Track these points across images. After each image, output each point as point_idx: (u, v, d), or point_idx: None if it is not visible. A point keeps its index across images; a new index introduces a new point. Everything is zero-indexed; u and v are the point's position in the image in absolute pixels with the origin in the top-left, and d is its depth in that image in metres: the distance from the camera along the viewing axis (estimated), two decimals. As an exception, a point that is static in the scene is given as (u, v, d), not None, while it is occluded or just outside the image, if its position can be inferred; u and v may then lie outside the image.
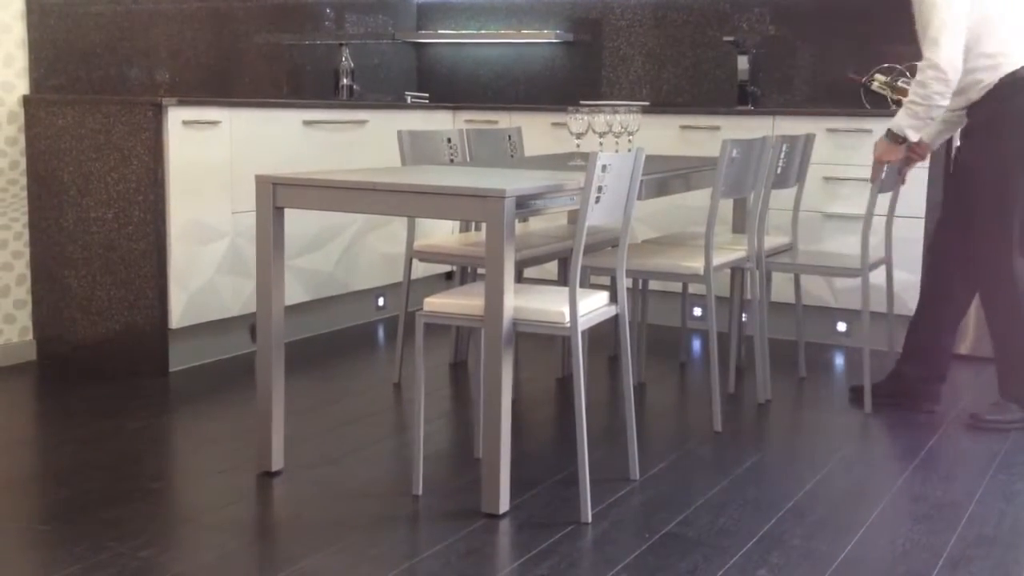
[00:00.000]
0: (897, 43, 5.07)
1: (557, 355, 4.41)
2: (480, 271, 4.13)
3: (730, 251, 3.86)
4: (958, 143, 3.86)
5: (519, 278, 4.06)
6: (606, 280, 4.39)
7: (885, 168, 3.70)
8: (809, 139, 4.16)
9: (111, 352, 4.23)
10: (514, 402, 3.87)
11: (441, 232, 5.23)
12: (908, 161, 3.88)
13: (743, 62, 5.46)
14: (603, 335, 4.72)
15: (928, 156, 3.99)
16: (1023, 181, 3.56)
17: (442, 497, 2.98)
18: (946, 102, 3.49)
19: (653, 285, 4.60)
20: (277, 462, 3.14)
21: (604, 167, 2.81)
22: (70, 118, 4.20)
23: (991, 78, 3.54)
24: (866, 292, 3.84)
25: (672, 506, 2.94)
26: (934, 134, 3.86)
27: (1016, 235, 3.60)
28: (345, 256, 4.95)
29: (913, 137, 3.59)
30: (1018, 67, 3.53)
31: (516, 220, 2.83)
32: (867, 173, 4.69)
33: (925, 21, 3.47)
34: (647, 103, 5.57)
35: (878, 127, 4.61)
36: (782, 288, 4.80)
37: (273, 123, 4.53)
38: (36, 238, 4.33)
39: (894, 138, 3.61)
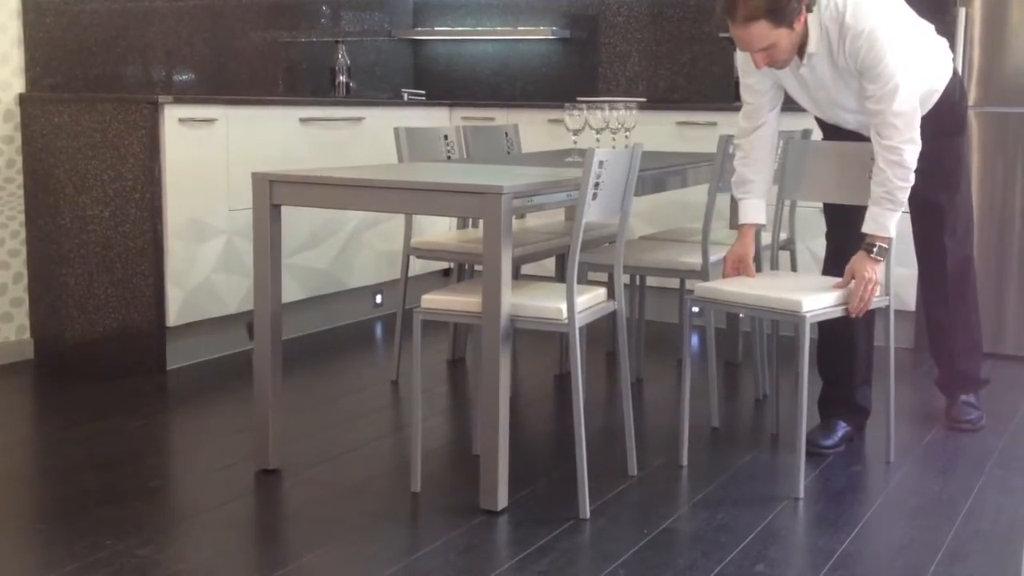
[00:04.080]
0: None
1: (555, 352, 4.41)
2: (477, 268, 4.13)
3: (727, 246, 3.85)
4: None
5: (516, 275, 4.06)
6: (604, 276, 4.39)
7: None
8: (806, 135, 4.15)
9: (108, 350, 4.23)
10: (512, 399, 3.87)
11: (438, 229, 5.23)
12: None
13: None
14: (601, 331, 4.72)
15: None
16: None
17: (440, 494, 2.98)
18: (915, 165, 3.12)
19: (651, 281, 4.59)
20: (275, 460, 3.14)
21: (601, 163, 2.81)
22: (66, 116, 4.20)
23: (936, 96, 3.33)
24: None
25: (670, 502, 2.94)
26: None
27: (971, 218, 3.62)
28: (342, 253, 4.95)
29: (893, 234, 3.12)
30: (949, 75, 3.37)
31: (513, 217, 2.83)
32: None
33: (873, 74, 3.03)
34: (644, 99, 5.56)
35: (875, 123, 4.61)
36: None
37: (270, 121, 4.53)
38: (33, 236, 4.32)
39: (884, 254, 3.11)
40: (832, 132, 3.49)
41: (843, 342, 3.46)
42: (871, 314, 3.45)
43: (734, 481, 3.11)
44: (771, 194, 3.46)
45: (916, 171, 3.08)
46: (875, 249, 3.08)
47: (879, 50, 3.02)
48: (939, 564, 2.58)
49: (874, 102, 3.05)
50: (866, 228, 3.10)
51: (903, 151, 3.03)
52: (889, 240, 3.09)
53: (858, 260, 3.11)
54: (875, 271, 3.09)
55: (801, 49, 3.12)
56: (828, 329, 3.44)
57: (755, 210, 3.35)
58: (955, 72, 3.43)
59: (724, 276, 3.36)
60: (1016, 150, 4.58)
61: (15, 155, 4.28)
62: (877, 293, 3.12)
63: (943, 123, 3.34)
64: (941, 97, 3.36)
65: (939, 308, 3.63)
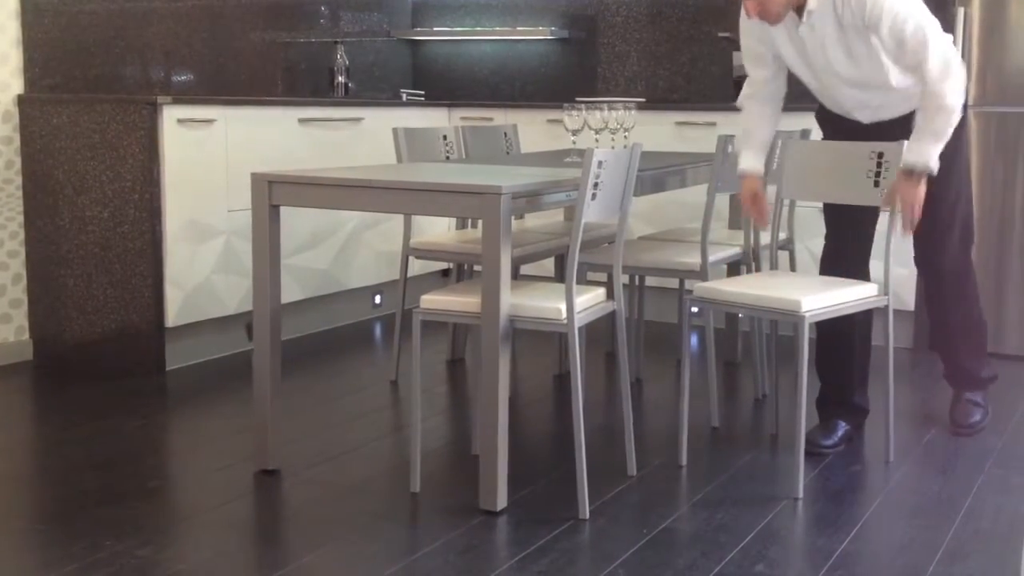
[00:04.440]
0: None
1: (554, 352, 4.41)
2: (477, 268, 4.13)
3: (726, 247, 3.86)
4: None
5: (516, 275, 4.06)
6: (603, 277, 4.39)
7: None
8: (805, 135, 4.15)
9: (107, 351, 4.23)
10: (511, 399, 3.87)
11: (437, 229, 5.22)
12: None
13: (738, 58, 5.46)
14: (600, 332, 4.72)
15: None
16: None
17: (440, 494, 2.98)
18: None
19: (650, 281, 4.59)
20: (274, 460, 3.13)
21: (600, 163, 2.81)
22: (65, 117, 4.20)
23: None
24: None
25: (670, 502, 2.94)
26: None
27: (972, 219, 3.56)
28: (341, 254, 4.95)
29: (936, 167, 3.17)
30: None
31: (512, 217, 2.83)
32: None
33: (917, 43, 3.07)
34: (643, 99, 5.56)
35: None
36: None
37: (268, 121, 4.53)
38: (32, 237, 4.32)
39: (916, 174, 3.15)
40: (831, 129, 3.49)
41: (842, 343, 3.46)
42: (869, 315, 3.46)
43: (734, 481, 3.11)
44: (771, 195, 3.47)
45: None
46: (921, 174, 3.13)
47: (886, 3, 3.03)
48: (938, 563, 2.58)
49: (911, 55, 3.08)
50: (909, 157, 3.12)
51: (945, 95, 3.05)
52: (931, 169, 3.12)
53: (903, 186, 3.15)
54: (918, 193, 3.13)
55: (800, 8, 3.14)
56: (827, 331, 3.45)
57: (749, 160, 3.44)
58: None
59: (743, 215, 3.58)
60: (1015, 150, 4.58)
61: (14, 156, 4.28)
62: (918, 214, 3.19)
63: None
64: None
65: (938, 307, 3.60)
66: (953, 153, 3.27)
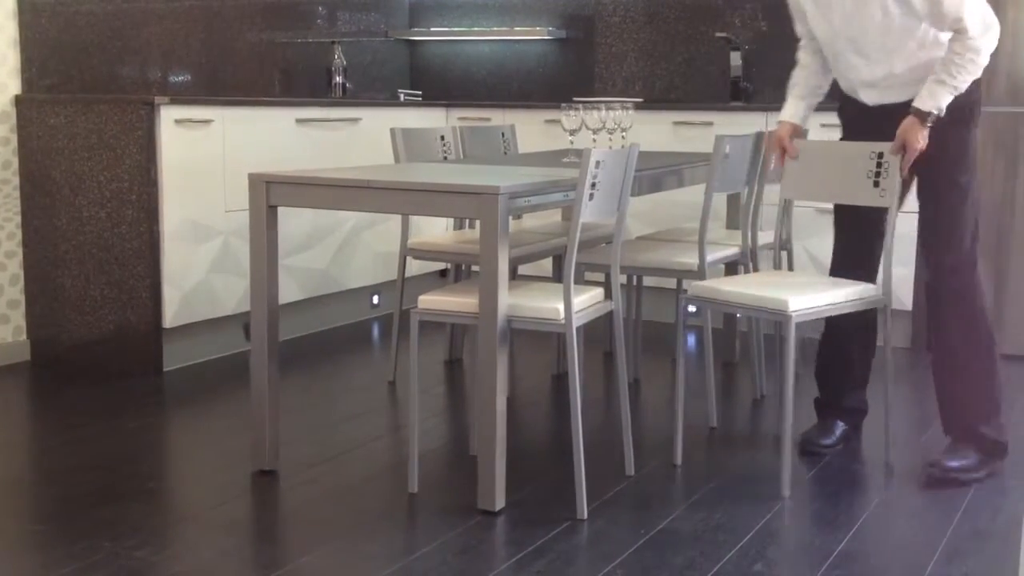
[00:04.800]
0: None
1: (552, 352, 4.41)
2: (474, 268, 4.13)
3: (724, 247, 3.86)
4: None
5: (513, 275, 4.06)
6: (600, 277, 4.39)
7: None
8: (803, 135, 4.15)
9: (105, 352, 4.22)
10: (509, 399, 3.87)
11: (435, 230, 5.22)
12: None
13: (736, 58, 5.47)
14: (598, 332, 4.72)
15: None
16: (977, 177, 3.23)
17: (438, 494, 2.98)
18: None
19: (647, 281, 4.59)
20: (272, 461, 3.13)
21: (597, 163, 2.81)
22: (62, 117, 4.19)
23: None
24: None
25: (668, 502, 2.94)
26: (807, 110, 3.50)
27: (979, 236, 3.22)
28: (339, 254, 4.95)
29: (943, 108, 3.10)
30: None
31: (510, 217, 2.83)
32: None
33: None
34: (640, 99, 5.56)
35: (871, 122, 4.61)
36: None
37: (266, 121, 4.53)
38: (29, 238, 4.32)
39: (931, 121, 3.10)
40: (845, 118, 3.43)
41: (841, 345, 3.44)
42: (870, 318, 3.42)
43: (732, 481, 3.11)
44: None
45: (923, 154, 3.11)
46: (929, 118, 3.09)
47: None
48: (937, 563, 2.58)
49: (949, 8, 3.03)
50: (919, 102, 3.08)
51: (981, 50, 3.03)
52: (941, 111, 3.08)
53: (911, 129, 3.10)
54: (924, 137, 3.10)
55: None
56: (826, 334, 3.44)
57: (787, 108, 3.45)
58: None
59: (765, 154, 3.57)
60: (1016, 150, 4.58)
61: (11, 156, 4.28)
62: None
63: (952, 107, 3.13)
64: None
65: (940, 335, 3.25)
66: (966, 133, 3.19)
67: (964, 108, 3.14)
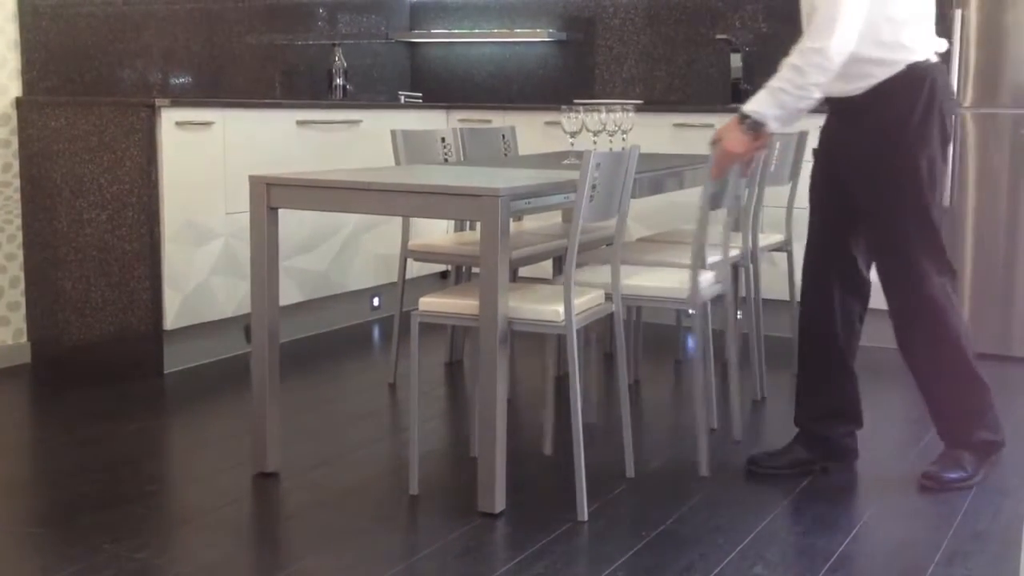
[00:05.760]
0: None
1: (552, 353, 4.40)
2: (475, 270, 4.13)
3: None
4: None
5: (514, 277, 4.06)
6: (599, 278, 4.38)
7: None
8: (802, 136, 4.16)
9: (105, 354, 4.22)
10: (509, 401, 3.87)
11: (436, 232, 5.22)
12: (756, 152, 3.15)
13: (736, 60, 5.47)
14: (598, 333, 4.71)
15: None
16: (935, 190, 2.97)
17: (438, 496, 2.98)
18: (819, 95, 2.87)
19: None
20: (273, 463, 3.13)
21: (598, 165, 2.81)
22: (63, 120, 4.19)
23: (885, 73, 2.91)
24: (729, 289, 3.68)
25: (668, 504, 2.94)
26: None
27: (936, 249, 3.00)
28: (340, 256, 4.95)
29: (775, 128, 2.92)
30: (922, 60, 2.93)
31: (510, 219, 2.83)
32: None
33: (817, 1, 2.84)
34: (640, 102, 5.56)
35: (871, 124, 4.61)
36: (777, 285, 4.80)
37: (266, 123, 4.53)
38: (30, 240, 4.32)
39: (752, 127, 2.90)
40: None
41: (813, 363, 3.20)
42: (852, 340, 3.16)
43: (732, 483, 3.11)
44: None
45: (858, 172, 2.94)
46: (746, 120, 2.90)
47: None
48: (937, 565, 2.58)
49: None
50: (745, 105, 2.91)
51: (804, 53, 2.81)
52: (762, 117, 2.87)
53: (726, 128, 2.96)
54: (740, 143, 2.93)
55: None
56: (807, 346, 3.21)
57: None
58: (930, 72, 2.94)
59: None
60: (1015, 151, 4.58)
61: (12, 159, 4.28)
62: (736, 168, 3.02)
63: (896, 124, 2.92)
64: (899, 90, 2.91)
65: (908, 354, 3.12)
66: (918, 167, 2.92)
67: (914, 123, 2.90)
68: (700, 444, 3.17)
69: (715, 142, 3.01)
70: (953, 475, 3.07)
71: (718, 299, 3.42)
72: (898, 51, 2.90)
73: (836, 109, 3.06)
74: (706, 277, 2.99)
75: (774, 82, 2.86)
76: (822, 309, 3.13)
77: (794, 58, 2.83)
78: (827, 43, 2.79)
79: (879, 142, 2.94)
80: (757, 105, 2.89)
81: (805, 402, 3.22)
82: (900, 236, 2.98)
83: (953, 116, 3.01)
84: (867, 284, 3.15)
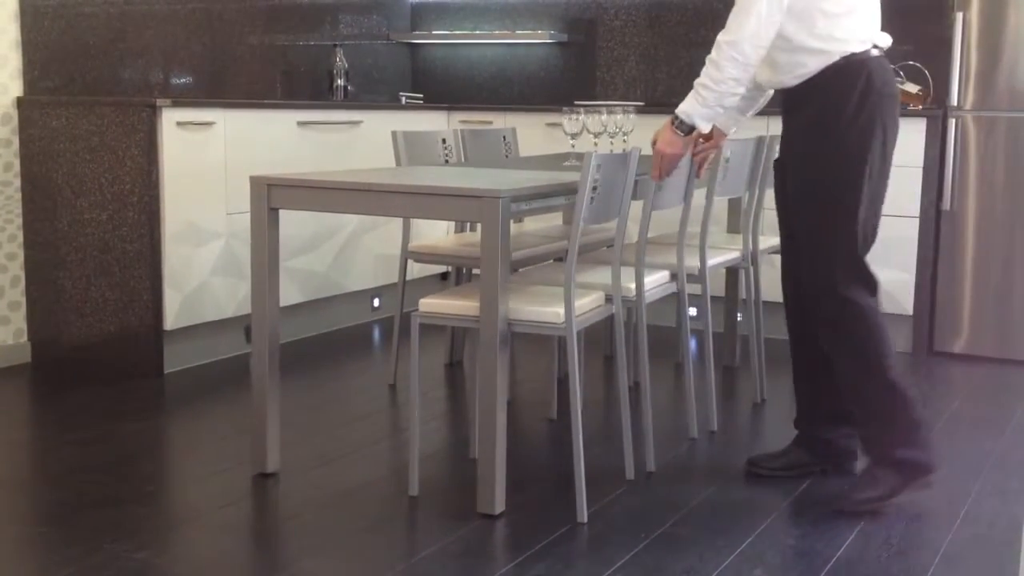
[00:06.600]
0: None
1: (553, 355, 4.41)
2: (475, 271, 4.13)
3: (725, 251, 3.86)
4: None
5: (514, 278, 4.06)
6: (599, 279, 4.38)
7: (667, 163, 3.03)
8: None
9: (106, 354, 4.22)
10: (510, 402, 3.87)
11: (436, 233, 5.22)
12: (704, 152, 3.23)
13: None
14: (598, 335, 4.71)
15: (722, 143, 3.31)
16: (865, 191, 2.83)
17: (438, 498, 2.98)
18: (742, 89, 2.83)
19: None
20: (273, 463, 3.13)
21: (599, 167, 2.81)
22: (64, 120, 4.20)
23: (819, 64, 2.81)
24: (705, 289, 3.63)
25: (668, 506, 2.94)
26: (729, 120, 3.21)
27: (858, 254, 2.86)
28: (340, 257, 4.95)
29: (704, 128, 2.91)
30: (859, 52, 2.82)
31: (511, 220, 2.83)
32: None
33: None
34: (641, 103, 5.57)
35: (872, 126, 4.61)
36: (778, 287, 4.80)
37: (267, 124, 4.53)
38: (30, 240, 4.32)
39: (681, 127, 2.91)
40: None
41: (801, 361, 3.16)
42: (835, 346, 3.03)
43: (732, 485, 3.11)
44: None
45: (786, 164, 2.92)
46: (675, 121, 2.92)
47: None
48: (936, 568, 2.58)
49: None
50: (679, 106, 2.91)
51: (718, 47, 2.78)
52: (687, 116, 2.87)
53: (660, 129, 2.99)
54: (670, 143, 2.95)
55: None
56: (797, 351, 3.15)
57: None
58: (867, 64, 2.81)
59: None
60: (1016, 153, 4.58)
61: (13, 158, 4.28)
62: (676, 167, 3.03)
63: (830, 114, 2.81)
64: (833, 81, 2.81)
65: (834, 363, 2.96)
66: (852, 163, 2.80)
67: (851, 115, 2.79)
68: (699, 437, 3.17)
69: (653, 143, 3.01)
70: (862, 495, 2.90)
71: (670, 297, 3.41)
72: (832, 43, 2.80)
73: (781, 103, 3.01)
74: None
75: (697, 80, 2.84)
76: (804, 315, 3.05)
77: (712, 53, 2.80)
78: (738, 35, 2.74)
79: (813, 133, 2.85)
80: (684, 105, 2.89)
81: (804, 406, 3.21)
82: (824, 233, 2.86)
83: (897, 114, 2.87)
84: None
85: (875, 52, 2.85)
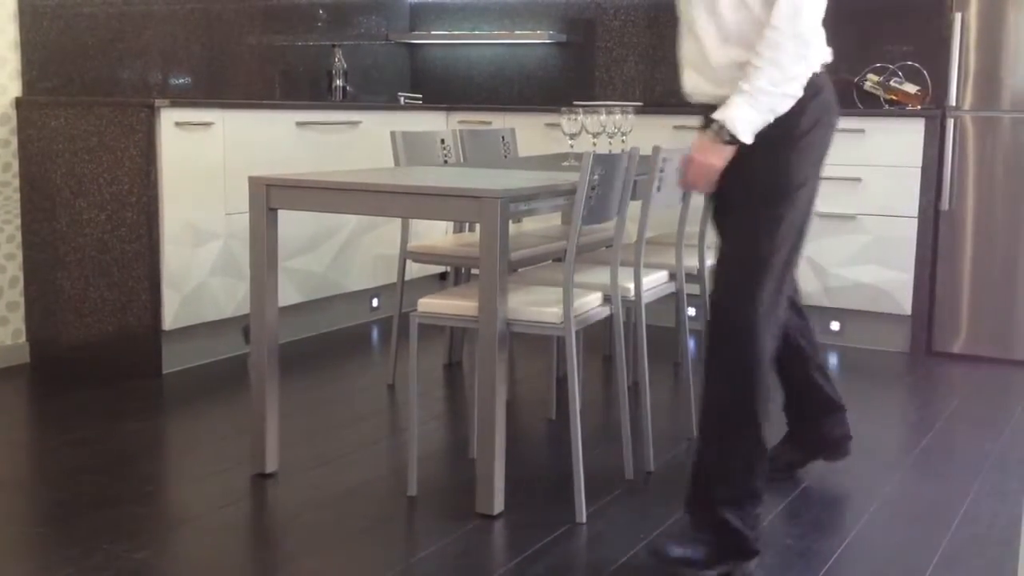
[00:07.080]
0: (890, 43, 5.08)
1: (552, 355, 4.41)
2: (474, 272, 4.13)
3: (724, 251, 3.86)
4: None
5: (513, 279, 4.06)
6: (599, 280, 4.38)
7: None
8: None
9: (104, 354, 4.22)
10: (508, 402, 3.87)
11: (435, 233, 5.23)
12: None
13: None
14: (598, 335, 4.72)
15: None
16: (798, 211, 2.55)
17: (437, 498, 2.98)
18: (800, 92, 2.47)
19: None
20: (272, 464, 3.13)
21: (597, 167, 2.81)
22: (63, 120, 4.20)
23: None
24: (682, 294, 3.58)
25: (667, 506, 2.94)
26: None
27: (776, 283, 2.52)
28: (339, 257, 4.95)
29: (747, 139, 2.45)
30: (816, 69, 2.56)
31: (510, 220, 2.84)
32: (859, 172, 4.72)
33: None
34: (640, 103, 5.57)
35: (870, 127, 4.62)
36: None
37: (266, 124, 4.53)
38: (29, 240, 4.32)
39: (721, 134, 2.46)
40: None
41: (785, 373, 3.07)
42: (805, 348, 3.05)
43: (731, 485, 3.11)
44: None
45: (730, 175, 2.52)
46: (714, 126, 2.47)
47: None
48: (935, 569, 2.58)
49: None
50: (716, 112, 2.47)
51: (782, 46, 2.40)
52: (733, 125, 2.44)
53: (696, 137, 2.56)
54: (707, 153, 2.49)
55: None
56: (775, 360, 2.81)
57: None
58: (815, 82, 2.54)
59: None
60: (1015, 154, 4.58)
61: (11, 159, 4.28)
62: (705, 180, 2.53)
63: (778, 130, 2.49)
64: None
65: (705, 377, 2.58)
66: (784, 157, 2.53)
67: (782, 127, 2.49)
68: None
69: (689, 161, 2.56)
70: (678, 552, 2.49)
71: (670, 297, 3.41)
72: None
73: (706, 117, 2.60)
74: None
75: (746, 83, 2.43)
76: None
77: (766, 50, 2.41)
78: (802, 25, 2.41)
79: (757, 147, 2.49)
80: (730, 111, 2.45)
81: (789, 408, 3.19)
82: (743, 245, 2.54)
83: (832, 130, 2.66)
84: (797, 293, 3.09)
85: (819, 69, 2.57)
